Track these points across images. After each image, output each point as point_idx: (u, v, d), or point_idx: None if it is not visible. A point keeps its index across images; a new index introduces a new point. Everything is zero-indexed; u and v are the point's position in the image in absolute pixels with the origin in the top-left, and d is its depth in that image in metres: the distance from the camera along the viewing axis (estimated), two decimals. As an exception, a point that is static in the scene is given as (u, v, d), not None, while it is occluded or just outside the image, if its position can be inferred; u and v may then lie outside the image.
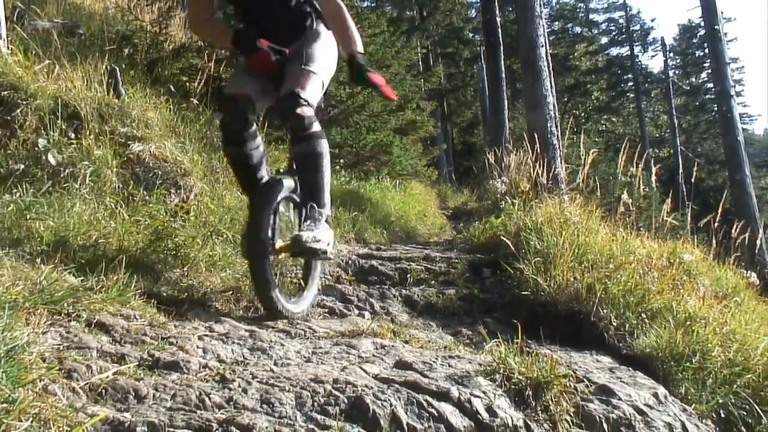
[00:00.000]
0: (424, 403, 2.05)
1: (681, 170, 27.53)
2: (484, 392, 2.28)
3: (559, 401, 2.46)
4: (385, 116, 10.36)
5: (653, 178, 6.87)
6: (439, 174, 20.29)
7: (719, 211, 6.24)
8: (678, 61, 37.63)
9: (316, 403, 1.87)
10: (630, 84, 34.67)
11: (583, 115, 34.95)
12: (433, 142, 20.64)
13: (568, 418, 2.52)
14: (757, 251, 8.34)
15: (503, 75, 13.83)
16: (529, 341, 3.61)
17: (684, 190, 25.27)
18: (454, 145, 28.76)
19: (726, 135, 13.83)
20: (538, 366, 2.48)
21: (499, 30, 13.81)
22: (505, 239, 4.94)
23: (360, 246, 6.36)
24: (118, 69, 5.08)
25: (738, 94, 36.52)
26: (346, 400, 1.90)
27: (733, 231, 6.67)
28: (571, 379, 2.72)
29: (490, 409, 2.20)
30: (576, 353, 3.84)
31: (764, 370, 3.86)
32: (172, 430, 1.62)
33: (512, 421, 2.25)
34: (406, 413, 1.97)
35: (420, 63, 24.60)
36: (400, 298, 4.52)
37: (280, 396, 1.85)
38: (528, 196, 6.18)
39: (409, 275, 5.02)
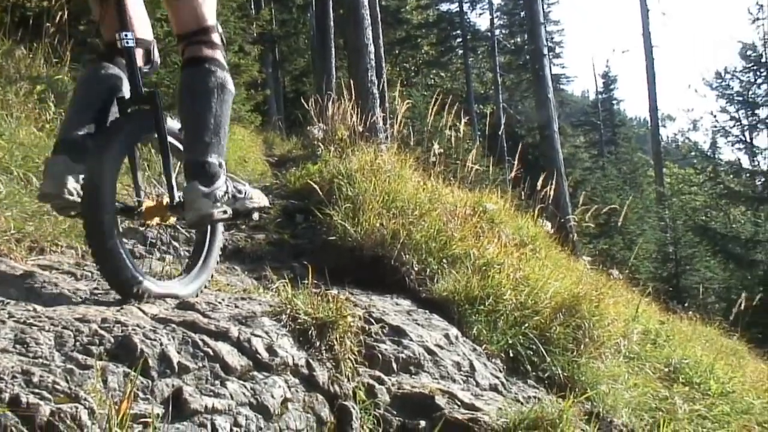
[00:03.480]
0: (200, 343, 2.01)
1: (503, 126, 28.68)
2: (266, 332, 2.27)
3: (344, 341, 2.50)
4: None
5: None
6: (268, 121, 20.01)
7: (516, 162, 6.55)
8: (504, 20, 38.92)
9: (78, 343, 1.78)
10: (458, 40, 35.56)
11: (413, 68, 35.54)
12: (261, 87, 20.28)
13: (353, 357, 2.57)
14: (561, 203, 8.92)
15: (332, 23, 13.76)
16: (331, 285, 3.64)
17: (505, 145, 26.35)
18: (285, 92, 28.42)
19: (538, 92, 14.48)
20: (325, 307, 2.50)
21: (328, -23, 13.71)
22: (316, 186, 4.94)
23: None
24: None
25: (557, 55, 38.42)
26: (112, 340, 1.82)
27: (538, 184, 7.04)
28: (357, 319, 2.77)
29: (270, 349, 2.20)
30: (377, 297, 3.93)
31: (551, 312, 4.11)
32: None
33: (293, 360, 2.26)
34: (178, 352, 1.92)
35: (251, 6, 23.94)
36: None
37: (38, 335, 1.74)
38: (345, 144, 6.20)
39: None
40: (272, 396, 2.04)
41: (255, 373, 2.11)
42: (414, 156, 5.93)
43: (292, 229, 5.08)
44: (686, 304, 12.73)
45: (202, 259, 2.84)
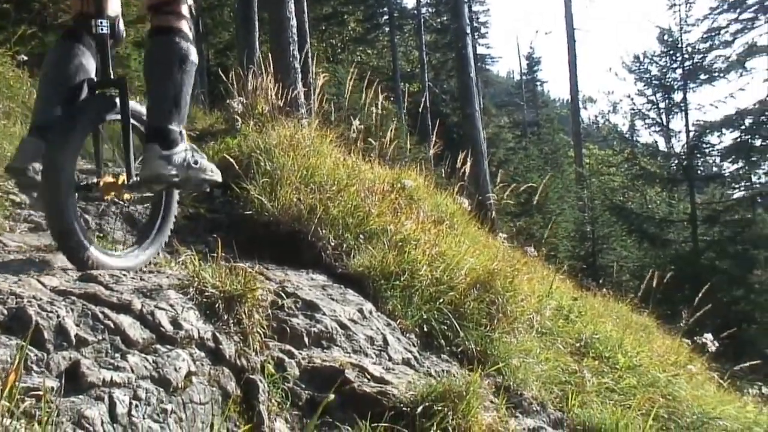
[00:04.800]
0: (101, 315, 1.96)
1: (428, 105, 28.82)
2: (171, 305, 2.23)
3: (252, 315, 2.48)
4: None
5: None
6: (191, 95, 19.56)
7: (434, 139, 6.60)
8: (431, -1, 39.04)
9: (-34, 316, 1.71)
10: (385, 18, 35.50)
11: (339, 45, 35.34)
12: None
13: (262, 331, 2.55)
14: (481, 181, 9.05)
15: (255, -4, 13.51)
16: (246, 259, 3.61)
17: (430, 123, 26.51)
18: (209, 66, 27.89)
19: (460, 71, 14.54)
20: (233, 280, 2.47)
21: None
22: (233, 160, 4.86)
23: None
24: None
25: (482, 35, 38.77)
26: (5, 312, 1.76)
27: (458, 162, 7.11)
28: (268, 293, 2.76)
29: (175, 322, 2.16)
30: (293, 272, 3.91)
31: (466, 288, 4.16)
32: None
33: (199, 333, 2.23)
34: (77, 325, 1.87)
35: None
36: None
37: None
38: (265, 119, 6.12)
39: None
40: (175, 369, 2.01)
41: (158, 346, 2.07)
42: (335, 132, 5.90)
43: (210, 203, 5.00)
44: (601, 282, 13.11)
45: (153, 233, 3.04)
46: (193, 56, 2.71)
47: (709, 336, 6.39)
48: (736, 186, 23.61)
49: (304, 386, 2.60)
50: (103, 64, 2.69)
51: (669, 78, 23.57)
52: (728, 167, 23.78)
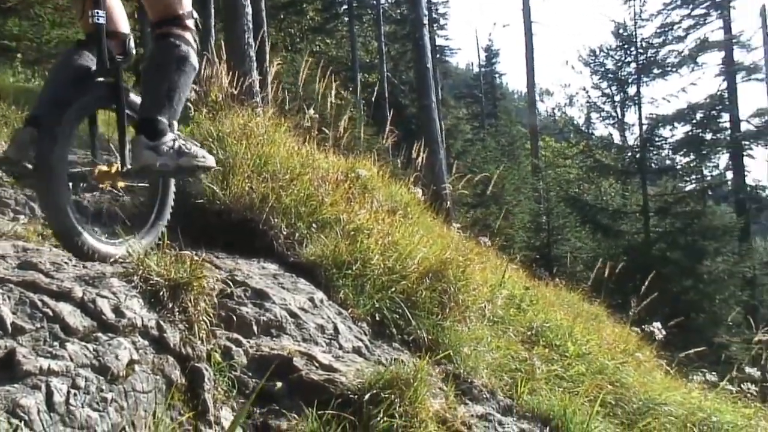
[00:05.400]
0: (39, 303, 1.92)
1: (386, 95, 28.81)
2: (114, 293, 2.19)
3: (198, 302, 2.45)
4: (74, 10, 9.50)
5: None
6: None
7: (387, 129, 6.60)
8: (390, -11, 38.97)
9: None
10: (344, 7, 35.34)
11: (298, 34, 35.11)
12: (138, 46, 19.52)
13: (208, 319, 2.53)
14: (436, 171, 9.08)
15: (211, -17, 13.38)
16: (197, 247, 3.57)
17: (389, 114, 26.46)
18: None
19: (417, 62, 14.49)
20: (179, 268, 2.44)
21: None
22: (184, 148, 4.79)
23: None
24: None
25: (441, 27, 38.83)
26: (-62, 300, 1.72)
27: (414, 152, 7.13)
28: (216, 281, 2.73)
29: (117, 310, 2.13)
30: (244, 260, 3.88)
31: (419, 277, 4.17)
32: None
33: (143, 321, 2.20)
34: (14, 313, 1.84)
35: (128, -39, 22.95)
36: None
37: None
38: (219, 106, 6.05)
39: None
40: (117, 357, 1.98)
41: (99, 334, 2.03)
42: (289, 121, 5.86)
43: (160, 191, 4.94)
44: (555, 272, 13.26)
45: (150, 221, 3.10)
46: (193, 59, 2.77)
47: (657, 325, 6.52)
48: (688, 179, 24.07)
49: (251, 374, 2.59)
50: (99, 53, 2.72)
51: (624, 72, 23.89)
52: (680, 160, 24.25)
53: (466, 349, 3.98)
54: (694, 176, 24.33)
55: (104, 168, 2.81)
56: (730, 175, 26.17)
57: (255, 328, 2.93)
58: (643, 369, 5.73)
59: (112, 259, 2.69)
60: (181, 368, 2.25)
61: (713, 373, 6.75)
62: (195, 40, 2.84)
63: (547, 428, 3.79)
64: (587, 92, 25.61)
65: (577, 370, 4.67)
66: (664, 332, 6.21)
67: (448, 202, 7.98)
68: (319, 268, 3.95)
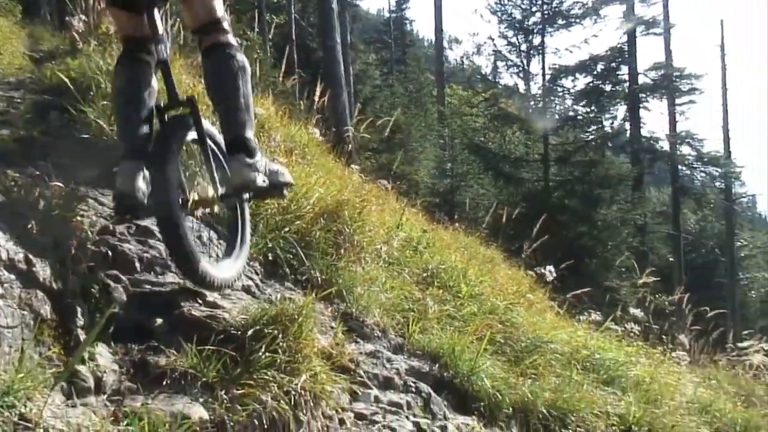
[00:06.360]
0: None
1: (294, 38, 28.26)
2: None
3: (72, 237, 2.36)
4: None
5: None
6: (35, 14, 18.35)
7: (283, 68, 6.49)
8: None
9: None
10: (251, -55, 34.33)
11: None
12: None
13: (86, 254, 2.44)
14: (339, 114, 9.02)
15: None
16: (79, 184, 3.43)
17: (296, 57, 26.03)
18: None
19: (322, 1, 14.10)
20: (54, 204, 2.34)
21: None
22: (69, 81, 4.59)
23: None
24: None
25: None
26: None
27: (315, 94, 7.04)
28: (96, 216, 2.64)
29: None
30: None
31: (314, 217, 4.15)
32: None
33: (8, 254, 2.09)
34: None
35: None
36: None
37: None
38: (109, 39, 5.79)
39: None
40: (-22, 291, 1.89)
41: (-41, 267, 1.94)
42: (185, 58, 5.68)
43: (45, 126, 4.70)
44: (456, 217, 13.47)
45: (238, 243, 3.20)
46: (248, 65, 2.88)
47: (549, 268, 6.74)
48: (588, 129, 24.69)
49: (131, 311, 2.52)
50: (168, 86, 2.84)
51: (529, 21, 24.14)
52: (581, 111, 24.84)
53: (359, 289, 4.02)
54: (593, 127, 24.96)
55: (197, 197, 2.89)
56: (628, 126, 27.02)
57: (138, 265, 2.86)
58: (534, 310, 5.93)
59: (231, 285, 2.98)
60: (52, 303, 2.17)
61: (599, 313, 7.05)
62: (237, 41, 2.97)
63: (436, 365, 3.89)
64: (494, 41, 25.73)
65: (468, 310, 4.79)
66: (555, 275, 6.42)
67: (350, 145, 7.92)
68: (210, 207, 3.87)
